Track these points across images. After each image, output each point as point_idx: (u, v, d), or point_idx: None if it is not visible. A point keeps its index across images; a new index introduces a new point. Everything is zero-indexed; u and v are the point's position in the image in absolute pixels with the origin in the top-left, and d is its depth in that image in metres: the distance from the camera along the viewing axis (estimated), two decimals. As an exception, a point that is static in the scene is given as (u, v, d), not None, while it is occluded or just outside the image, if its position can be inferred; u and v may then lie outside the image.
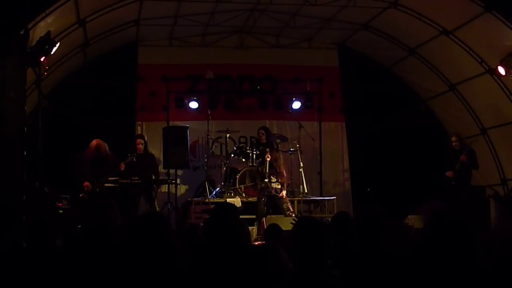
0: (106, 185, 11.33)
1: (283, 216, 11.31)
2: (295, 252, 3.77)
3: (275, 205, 11.83)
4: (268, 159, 11.56)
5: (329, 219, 10.07)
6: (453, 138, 12.13)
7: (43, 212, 9.51)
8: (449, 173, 11.87)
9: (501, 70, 11.21)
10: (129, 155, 11.65)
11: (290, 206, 11.70)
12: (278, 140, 13.39)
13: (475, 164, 12.00)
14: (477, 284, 3.70)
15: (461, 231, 3.83)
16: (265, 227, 8.97)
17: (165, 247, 3.39)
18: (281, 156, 12.36)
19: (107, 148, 11.44)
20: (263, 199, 11.63)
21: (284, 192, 11.65)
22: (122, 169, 11.52)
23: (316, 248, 3.62)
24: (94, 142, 11.38)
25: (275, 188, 11.64)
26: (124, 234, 3.77)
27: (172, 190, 13.11)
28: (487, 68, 11.92)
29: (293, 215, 11.42)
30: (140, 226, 3.50)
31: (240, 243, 4.82)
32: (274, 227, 7.25)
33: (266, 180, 11.59)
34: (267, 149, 11.88)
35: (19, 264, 4.69)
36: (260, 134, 13.13)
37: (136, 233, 3.51)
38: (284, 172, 11.91)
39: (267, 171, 11.58)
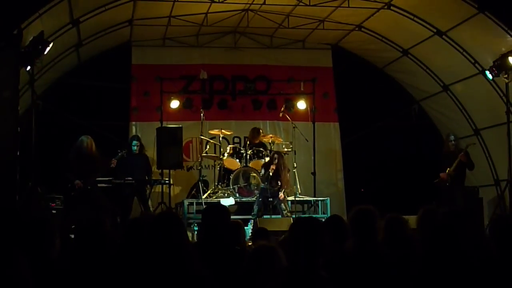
0: (99, 185, 11.26)
1: (279, 217, 11.37)
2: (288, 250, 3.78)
3: (273, 206, 11.81)
4: (273, 169, 11.55)
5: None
6: (451, 137, 12.10)
7: (37, 212, 9.48)
8: (443, 175, 11.84)
9: (493, 71, 11.20)
10: (119, 151, 11.59)
11: (287, 207, 11.72)
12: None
13: (471, 164, 11.97)
14: (468, 285, 3.71)
15: (451, 233, 3.84)
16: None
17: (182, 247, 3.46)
18: (286, 163, 12.25)
19: (93, 144, 11.06)
20: (260, 199, 11.66)
21: (281, 194, 11.65)
22: (114, 165, 11.41)
23: (306, 247, 3.62)
24: (81, 138, 11.06)
25: (273, 189, 11.67)
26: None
27: (166, 190, 13.11)
28: (480, 69, 11.96)
29: (290, 215, 11.50)
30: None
31: (232, 244, 4.83)
32: (261, 231, 7.41)
33: (267, 183, 11.65)
34: (276, 156, 11.76)
35: (14, 263, 4.66)
36: (256, 134, 13.07)
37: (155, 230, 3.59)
38: (288, 178, 11.91)
39: (270, 175, 11.58)
